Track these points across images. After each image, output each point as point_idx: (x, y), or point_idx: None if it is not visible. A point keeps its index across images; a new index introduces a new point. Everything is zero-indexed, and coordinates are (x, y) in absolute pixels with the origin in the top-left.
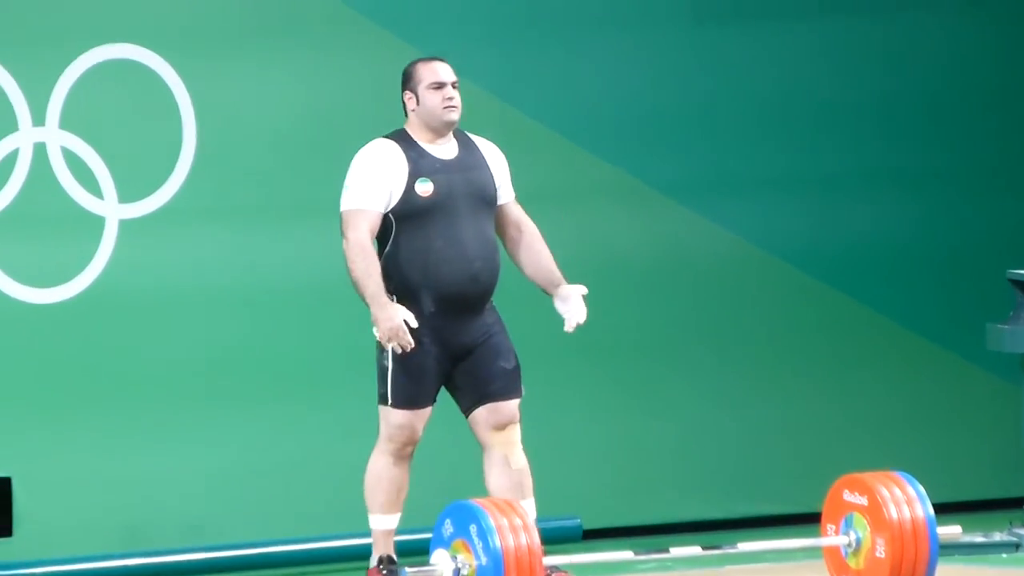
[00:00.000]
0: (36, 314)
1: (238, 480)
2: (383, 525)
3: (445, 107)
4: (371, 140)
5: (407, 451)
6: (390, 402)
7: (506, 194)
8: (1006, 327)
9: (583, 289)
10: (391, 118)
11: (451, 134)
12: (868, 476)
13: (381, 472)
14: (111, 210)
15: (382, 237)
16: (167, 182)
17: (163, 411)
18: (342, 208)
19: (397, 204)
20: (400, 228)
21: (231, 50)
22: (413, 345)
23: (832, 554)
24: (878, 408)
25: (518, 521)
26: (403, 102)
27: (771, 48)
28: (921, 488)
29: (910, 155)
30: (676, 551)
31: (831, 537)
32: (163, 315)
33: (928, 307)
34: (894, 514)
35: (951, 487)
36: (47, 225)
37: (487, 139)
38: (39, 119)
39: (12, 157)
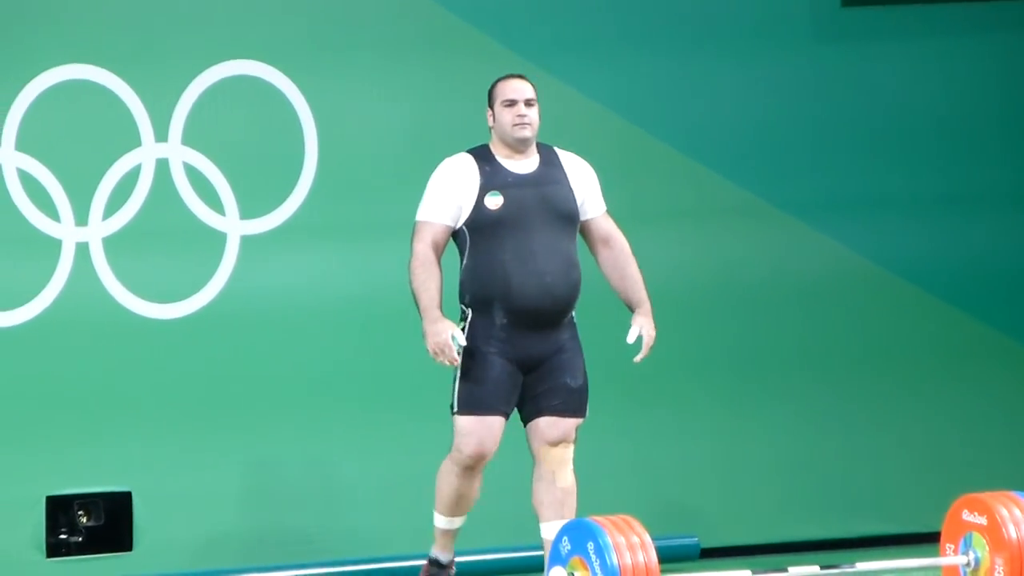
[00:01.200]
0: (157, 329)
1: (356, 494)
2: (442, 524)
3: (515, 124)
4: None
5: (473, 463)
6: (455, 409)
7: (593, 209)
8: None
9: (649, 331)
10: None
11: (535, 150)
12: (987, 496)
13: (445, 478)
14: (233, 226)
15: (461, 250)
16: (289, 198)
17: (282, 425)
18: (416, 218)
19: (469, 217)
20: (474, 241)
21: (353, 66)
22: (458, 361)
23: (951, 574)
24: (998, 428)
25: (635, 539)
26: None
27: (892, 68)
28: None
29: None
30: (794, 570)
31: (950, 557)
32: (284, 330)
33: None
34: (1014, 534)
35: None
36: (169, 241)
37: (578, 155)
38: (162, 135)
39: (135, 173)
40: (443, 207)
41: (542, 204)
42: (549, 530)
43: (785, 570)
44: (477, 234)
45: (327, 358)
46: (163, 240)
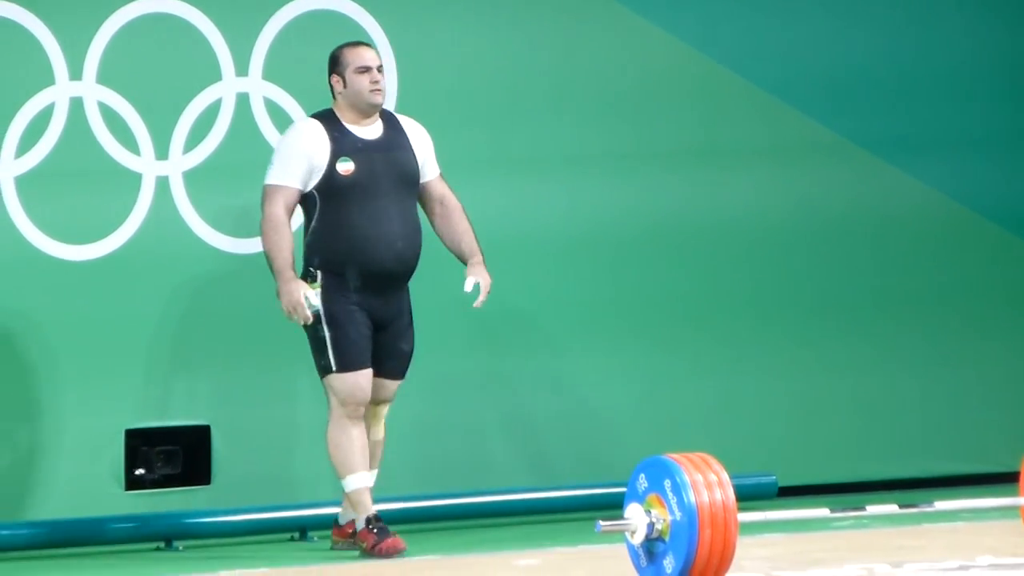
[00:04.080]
0: (236, 263)
1: (431, 427)
2: (359, 483)
3: (371, 90)
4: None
5: (360, 412)
6: (335, 368)
7: (430, 172)
8: None
9: (485, 279)
10: (582, 77)
11: (377, 115)
12: None
13: (340, 438)
14: None
15: (308, 214)
16: None
17: None
18: (264, 182)
19: (320, 182)
20: (324, 205)
21: (433, 4)
22: (311, 320)
23: None
24: None
25: (713, 477)
26: (331, 85)
27: (974, 9)
28: None
29: None
30: (872, 509)
31: None
32: None
33: None
34: None
35: None
36: (249, 175)
37: (412, 118)
38: (242, 69)
39: (215, 107)
40: (295, 172)
41: (390, 169)
42: (368, 478)
43: (863, 508)
44: (327, 198)
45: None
46: (243, 174)
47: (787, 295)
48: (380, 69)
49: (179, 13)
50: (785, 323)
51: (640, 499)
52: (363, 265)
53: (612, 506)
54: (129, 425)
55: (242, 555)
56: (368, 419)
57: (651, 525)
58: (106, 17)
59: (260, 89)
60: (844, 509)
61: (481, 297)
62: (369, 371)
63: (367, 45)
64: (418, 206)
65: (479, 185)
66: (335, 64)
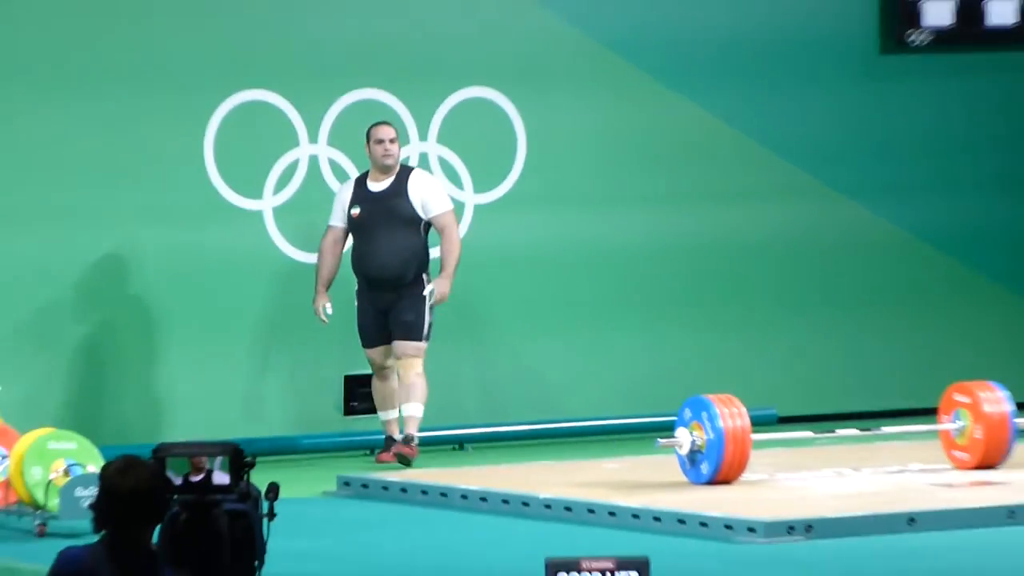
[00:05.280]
0: None
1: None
2: (384, 417)
3: (383, 156)
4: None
5: (383, 373)
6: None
7: (433, 209)
8: None
9: (441, 289)
10: (671, 145)
11: (394, 172)
12: (971, 384)
13: (372, 389)
14: (469, 197)
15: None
16: (504, 180)
17: (496, 331)
18: None
19: (346, 222)
20: (351, 237)
21: (550, 90)
22: (325, 322)
23: (945, 436)
24: (981, 341)
25: (735, 410)
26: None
27: (918, 100)
28: (1007, 392)
29: None
30: (840, 432)
31: (945, 424)
32: (504, 268)
33: None
34: (988, 409)
35: None
36: None
37: (425, 172)
38: (423, 135)
39: (405, 163)
40: (336, 215)
41: (386, 212)
42: (405, 409)
43: (833, 431)
44: (351, 232)
45: (527, 288)
46: None
47: (771, 293)
48: (392, 141)
49: (379, 98)
50: (793, 307)
51: (686, 424)
52: (361, 274)
53: (665, 429)
54: (347, 372)
55: (419, 460)
56: (399, 368)
57: (693, 442)
58: (335, 99)
59: (435, 150)
60: (821, 432)
61: (431, 301)
62: (376, 348)
63: (386, 124)
64: (420, 234)
65: (580, 212)
66: (366, 137)
